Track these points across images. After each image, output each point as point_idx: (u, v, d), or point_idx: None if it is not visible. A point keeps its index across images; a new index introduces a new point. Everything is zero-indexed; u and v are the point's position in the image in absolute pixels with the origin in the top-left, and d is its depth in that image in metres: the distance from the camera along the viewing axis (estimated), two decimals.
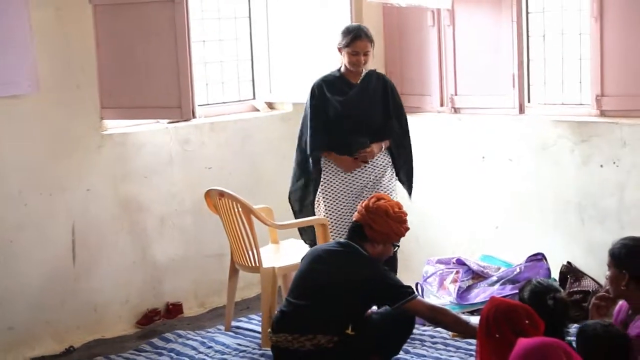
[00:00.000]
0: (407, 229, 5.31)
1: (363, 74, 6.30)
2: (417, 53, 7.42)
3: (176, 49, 6.20)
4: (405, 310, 5.05)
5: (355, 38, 6.15)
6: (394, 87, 6.42)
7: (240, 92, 7.60)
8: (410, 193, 6.47)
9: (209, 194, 6.29)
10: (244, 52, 7.58)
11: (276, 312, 5.34)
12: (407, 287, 5.17)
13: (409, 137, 6.44)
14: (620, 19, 6.36)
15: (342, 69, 6.31)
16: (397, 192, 6.34)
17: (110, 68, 6.39)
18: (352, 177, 6.25)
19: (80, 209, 6.37)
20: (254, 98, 7.62)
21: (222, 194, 6.16)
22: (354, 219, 5.30)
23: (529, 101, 6.96)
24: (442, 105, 7.29)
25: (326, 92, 6.27)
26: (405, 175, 6.46)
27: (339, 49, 6.25)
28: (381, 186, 6.21)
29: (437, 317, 5.15)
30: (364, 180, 6.22)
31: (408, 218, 5.33)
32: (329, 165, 6.31)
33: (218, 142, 7.11)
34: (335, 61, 6.65)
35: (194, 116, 6.34)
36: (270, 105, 7.65)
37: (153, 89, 6.33)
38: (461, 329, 5.22)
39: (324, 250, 5.25)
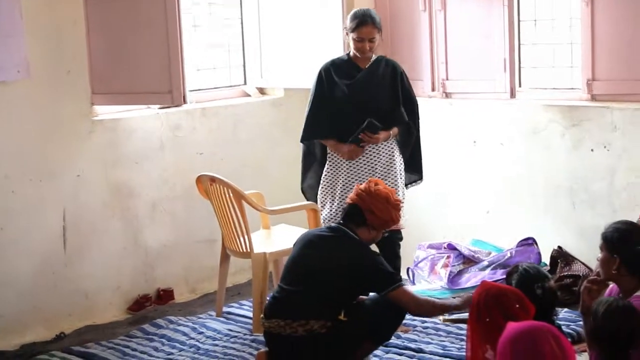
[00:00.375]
0: (399, 218, 5.33)
1: (372, 59, 6.18)
2: (408, 38, 7.40)
3: (167, 34, 6.18)
4: (390, 299, 5.05)
5: (361, 24, 6.03)
6: (405, 73, 6.27)
7: (231, 77, 7.58)
8: (420, 179, 6.41)
9: (200, 180, 6.28)
10: (235, 38, 7.56)
11: (268, 297, 5.33)
12: (397, 275, 5.17)
13: (418, 124, 6.31)
14: (611, 3, 6.36)
15: (351, 53, 6.19)
16: (403, 185, 6.28)
17: (101, 53, 6.37)
18: (357, 167, 6.12)
19: (70, 195, 6.36)
20: (245, 83, 7.61)
21: (213, 179, 6.15)
22: (349, 200, 5.27)
23: (520, 86, 6.96)
24: (433, 90, 7.28)
25: (334, 75, 6.16)
26: (414, 163, 6.36)
27: (346, 33, 6.16)
28: (389, 178, 6.16)
29: (420, 310, 5.12)
30: (369, 171, 6.14)
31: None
32: (333, 154, 6.22)
33: (209, 128, 7.10)
34: (327, 46, 6.65)
35: (185, 102, 6.33)
36: (262, 91, 7.63)
37: (144, 75, 6.31)
38: (445, 310, 5.22)
39: (315, 235, 5.24)
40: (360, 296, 5.24)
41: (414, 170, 6.37)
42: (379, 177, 6.02)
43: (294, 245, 5.28)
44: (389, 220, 5.18)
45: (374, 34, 6.05)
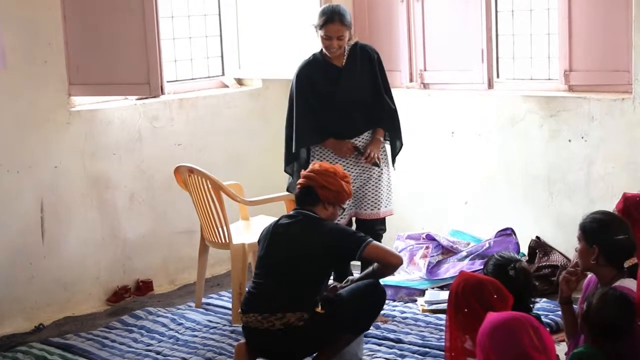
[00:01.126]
0: (352, 191, 5.32)
1: (346, 52, 6.01)
2: (386, 28, 7.40)
3: (144, 25, 6.17)
4: (365, 258, 5.06)
5: (328, 21, 5.88)
6: (379, 56, 6.13)
7: (209, 68, 7.56)
8: (401, 144, 6.28)
9: (178, 171, 6.27)
10: (213, 28, 7.53)
11: (245, 293, 5.33)
12: (361, 234, 5.16)
13: (394, 103, 6.19)
14: None
15: (324, 50, 6.03)
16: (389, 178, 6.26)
17: (78, 44, 6.35)
18: (347, 169, 5.97)
19: (48, 186, 6.34)
20: (222, 74, 7.59)
21: (191, 170, 6.14)
22: (299, 185, 5.25)
23: (497, 76, 6.99)
24: (411, 80, 7.29)
25: (312, 75, 6.03)
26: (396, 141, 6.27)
27: (315, 29, 5.99)
28: (381, 186, 6.13)
29: (396, 258, 5.11)
30: (361, 176, 6.08)
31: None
32: (318, 153, 6.11)
33: (187, 119, 7.08)
34: (304, 36, 6.63)
35: (162, 93, 6.33)
36: (240, 82, 7.62)
37: (121, 65, 6.30)
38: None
39: (276, 226, 5.22)
40: (336, 285, 5.25)
41: (396, 137, 6.26)
42: (372, 187, 6.07)
43: (258, 241, 5.28)
44: (342, 191, 5.17)
45: (342, 32, 5.90)
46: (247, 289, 5.29)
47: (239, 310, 5.16)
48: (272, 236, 5.16)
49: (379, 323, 5.85)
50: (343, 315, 5.04)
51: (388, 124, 6.15)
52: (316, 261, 4.99)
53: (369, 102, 6.07)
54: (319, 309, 4.99)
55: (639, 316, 4.12)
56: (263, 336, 4.99)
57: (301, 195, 5.22)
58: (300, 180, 5.25)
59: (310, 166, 5.31)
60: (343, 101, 5.99)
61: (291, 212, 5.28)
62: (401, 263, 5.16)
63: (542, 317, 4.93)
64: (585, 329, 4.13)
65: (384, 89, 6.12)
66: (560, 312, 5.07)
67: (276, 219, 5.26)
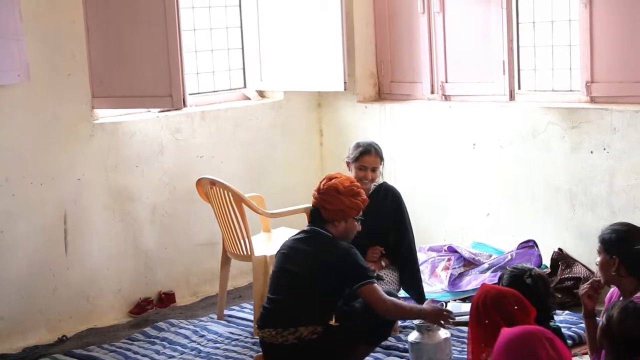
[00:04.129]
0: (365, 200, 5.28)
1: (371, 189, 6.00)
2: (407, 40, 7.41)
3: (167, 38, 6.20)
4: (359, 294, 5.05)
5: (364, 153, 5.94)
6: (402, 198, 6.07)
7: (231, 80, 7.59)
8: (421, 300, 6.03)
9: (200, 183, 6.29)
10: (235, 41, 7.56)
11: (260, 308, 5.37)
12: (369, 270, 5.16)
13: (414, 251, 6.11)
14: (610, 5, 6.37)
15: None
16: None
17: (101, 57, 6.39)
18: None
19: (71, 198, 6.37)
20: (244, 86, 7.61)
21: (213, 182, 6.16)
22: (311, 204, 5.30)
23: (519, 88, 6.98)
24: (432, 92, 7.29)
25: None
26: (415, 288, 6.12)
27: (347, 163, 6.03)
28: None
29: (388, 311, 5.05)
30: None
31: None
32: None
33: (209, 131, 7.11)
34: (326, 49, 6.65)
35: (184, 105, 6.35)
36: (261, 94, 7.64)
37: (144, 78, 6.33)
38: (411, 316, 5.24)
39: (290, 241, 5.27)
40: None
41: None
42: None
43: (275, 255, 5.32)
44: (346, 209, 5.16)
45: (377, 164, 5.97)
46: (262, 305, 5.32)
47: (255, 325, 5.20)
48: (284, 252, 5.21)
49: (399, 335, 5.84)
50: (358, 326, 5.05)
51: (408, 280, 6.05)
52: (326, 277, 5.03)
53: (391, 240, 6.00)
54: (332, 322, 5.01)
55: None
56: (278, 351, 5.03)
57: (312, 214, 5.28)
58: (311, 199, 5.29)
59: (320, 182, 5.30)
60: (365, 233, 5.71)
61: (305, 228, 5.31)
62: (395, 317, 5.18)
63: (564, 329, 4.92)
64: (606, 343, 4.09)
65: (404, 230, 6.04)
66: (583, 325, 5.05)
67: (295, 232, 5.28)
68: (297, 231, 6.34)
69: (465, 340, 5.38)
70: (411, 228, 6.09)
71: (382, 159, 6.02)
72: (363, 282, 5.00)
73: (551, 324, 4.50)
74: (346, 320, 5.04)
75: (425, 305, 5.13)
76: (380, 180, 6.08)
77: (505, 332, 3.71)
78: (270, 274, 5.29)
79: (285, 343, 4.98)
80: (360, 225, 5.30)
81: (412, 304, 5.40)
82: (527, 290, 4.30)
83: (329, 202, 5.15)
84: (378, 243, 5.96)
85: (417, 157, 7.32)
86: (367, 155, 5.96)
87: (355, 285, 5.01)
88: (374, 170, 5.97)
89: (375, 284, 5.05)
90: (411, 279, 6.06)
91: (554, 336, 3.70)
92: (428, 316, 5.04)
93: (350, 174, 5.96)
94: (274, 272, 5.23)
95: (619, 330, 4.01)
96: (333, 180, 5.24)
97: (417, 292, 6.06)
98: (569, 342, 5.41)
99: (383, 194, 6.04)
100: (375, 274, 5.30)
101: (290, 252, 5.19)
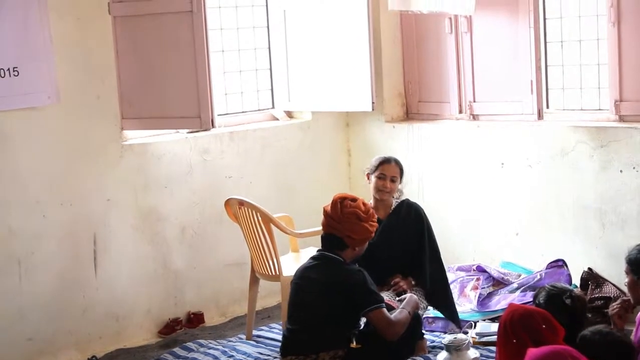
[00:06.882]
0: (376, 223, 5.34)
1: (393, 204, 6.04)
2: (435, 60, 7.42)
3: (195, 59, 6.23)
4: (368, 319, 5.13)
5: (384, 162, 5.99)
6: (426, 215, 6.08)
7: (259, 101, 7.62)
8: (457, 323, 6.15)
9: (228, 203, 6.31)
10: (263, 62, 7.60)
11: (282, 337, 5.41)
12: (378, 295, 5.20)
13: (443, 269, 6.14)
14: (638, 23, 6.35)
15: (372, 202, 5.98)
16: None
17: (130, 78, 6.43)
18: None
19: (101, 219, 6.41)
20: (272, 107, 7.64)
21: (241, 203, 6.18)
22: (324, 230, 5.29)
23: (547, 107, 6.96)
24: (460, 112, 7.29)
25: None
26: (448, 308, 6.14)
27: (368, 175, 6.06)
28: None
29: (393, 334, 5.11)
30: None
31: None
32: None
33: (237, 152, 7.13)
34: (354, 69, 6.64)
35: (213, 126, 6.37)
36: (289, 114, 7.67)
37: (172, 99, 6.37)
38: (406, 323, 5.25)
39: (302, 269, 5.34)
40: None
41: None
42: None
43: (290, 285, 5.35)
44: (368, 234, 5.24)
45: (395, 173, 5.99)
46: (282, 334, 5.35)
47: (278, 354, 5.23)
48: (297, 280, 5.26)
49: (428, 356, 5.83)
50: (380, 346, 5.06)
51: (439, 299, 6.05)
52: (338, 303, 5.06)
53: (410, 258, 5.97)
54: (354, 344, 5.02)
55: None
56: None
57: (326, 241, 5.29)
58: (322, 221, 5.31)
59: (331, 207, 5.28)
60: (383, 252, 5.83)
61: (315, 254, 5.33)
62: (394, 339, 5.14)
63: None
64: None
65: (431, 249, 6.02)
66: None
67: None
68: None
69: None
70: (437, 245, 6.09)
71: (402, 171, 6.05)
72: (372, 307, 5.04)
73: None
74: (368, 342, 5.05)
75: (404, 304, 5.29)
76: (402, 197, 6.10)
77: (532, 352, 3.70)
78: (288, 302, 5.34)
79: None
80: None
81: (403, 310, 5.30)
82: (564, 310, 4.29)
83: (354, 232, 5.18)
84: (401, 259, 5.96)
85: (446, 176, 7.31)
86: (387, 164, 6.00)
87: (364, 310, 5.04)
88: (393, 180, 5.99)
89: (384, 309, 5.08)
90: (444, 298, 6.06)
91: (580, 355, 3.69)
92: (411, 310, 5.25)
93: (370, 185, 6.01)
94: (289, 303, 5.31)
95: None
96: (349, 207, 5.23)
97: (450, 312, 6.08)
98: None
99: (406, 209, 6.05)
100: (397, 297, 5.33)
101: (302, 282, 5.26)
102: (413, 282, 5.95)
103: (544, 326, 3.99)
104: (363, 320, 5.27)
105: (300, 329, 5.14)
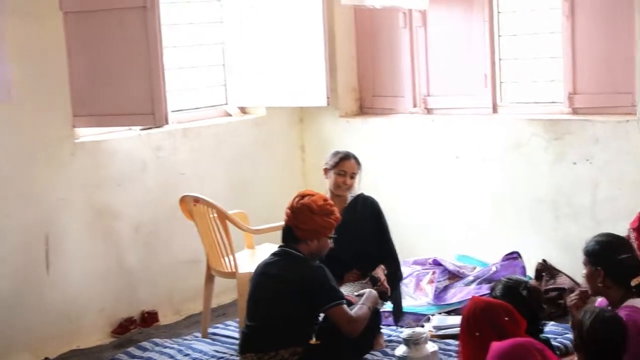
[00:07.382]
0: (338, 219, 5.27)
1: (349, 199, 6.05)
2: (389, 55, 7.42)
3: (148, 56, 6.15)
4: (328, 316, 5.11)
5: (344, 159, 5.99)
6: (379, 207, 6.11)
7: (212, 97, 7.56)
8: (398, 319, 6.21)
9: (183, 200, 6.26)
10: (216, 58, 7.54)
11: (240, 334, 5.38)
12: (338, 291, 5.20)
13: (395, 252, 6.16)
14: (591, 17, 6.41)
15: (328, 195, 5.89)
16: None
17: (82, 75, 6.34)
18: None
19: (53, 218, 6.32)
20: (226, 103, 7.59)
21: (197, 199, 6.13)
22: (283, 221, 5.30)
23: (501, 100, 7.00)
24: (415, 106, 7.30)
25: None
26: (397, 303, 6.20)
27: (325, 170, 6.06)
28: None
29: (353, 330, 5.11)
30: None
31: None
32: None
33: (191, 148, 7.08)
34: (308, 65, 6.63)
35: (166, 122, 6.31)
36: (243, 110, 7.63)
37: (125, 96, 6.29)
38: (366, 318, 5.23)
39: (262, 265, 5.30)
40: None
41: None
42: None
43: (250, 281, 5.32)
44: (319, 228, 5.18)
45: (355, 170, 6.01)
46: (241, 330, 5.32)
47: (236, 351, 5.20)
48: (257, 276, 5.24)
49: (385, 350, 5.82)
50: (339, 341, 5.05)
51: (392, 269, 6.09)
52: (298, 299, 5.05)
53: (373, 252, 6.01)
54: (313, 341, 5.01)
55: None
56: None
57: (284, 233, 5.28)
58: (284, 217, 5.27)
59: (292, 199, 5.27)
60: (342, 247, 5.70)
61: (276, 250, 5.32)
62: (354, 336, 5.14)
63: (551, 339, 4.90)
64: (579, 351, 4.03)
65: (386, 236, 6.09)
66: (569, 335, 5.05)
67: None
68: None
69: (452, 354, 5.39)
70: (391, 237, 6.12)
71: (360, 166, 6.06)
72: (332, 303, 5.03)
73: (541, 337, 4.49)
74: (327, 338, 5.04)
75: (363, 299, 5.27)
76: (357, 191, 6.10)
77: (496, 346, 3.70)
78: (247, 299, 5.30)
79: None
80: (332, 243, 5.29)
81: (363, 306, 5.28)
82: (522, 302, 4.30)
83: (302, 222, 5.15)
84: (361, 253, 5.95)
85: (400, 171, 7.32)
86: (347, 161, 6.00)
87: (324, 307, 5.02)
88: (352, 176, 6.01)
89: (344, 305, 5.07)
90: (393, 281, 6.05)
91: (544, 347, 3.71)
92: (371, 305, 5.24)
93: (328, 181, 6.01)
94: (248, 299, 5.27)
95: (591, 341, 3.97)
96: (306, 199, 5.21)
97: (398, 306, 6.12)
98: (556, 352, 5.40)
99: (362, 203, 6.06)
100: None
101: (261, 279, 5.23)
102: (386, 271, 5.97)
103: (506, 318, 3.99)
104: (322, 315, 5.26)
105: (260, 326, 5.11)
